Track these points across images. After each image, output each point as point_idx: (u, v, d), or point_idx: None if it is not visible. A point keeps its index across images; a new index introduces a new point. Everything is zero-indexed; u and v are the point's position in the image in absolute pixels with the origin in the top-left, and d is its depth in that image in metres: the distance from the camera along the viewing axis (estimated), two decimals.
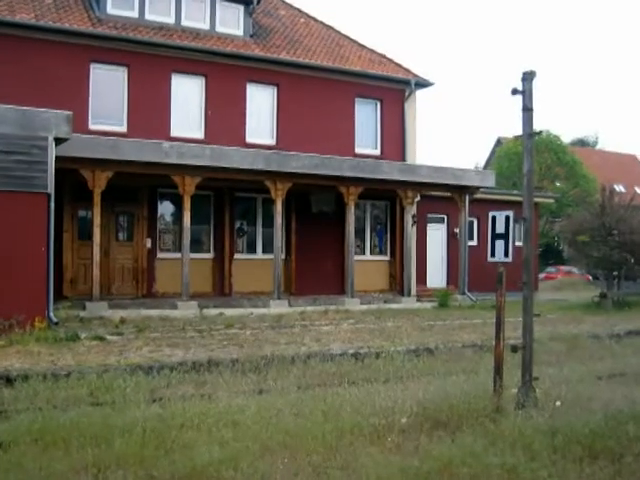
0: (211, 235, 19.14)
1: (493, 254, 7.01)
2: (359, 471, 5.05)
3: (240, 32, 19.92)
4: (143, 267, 17.86)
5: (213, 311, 15.79)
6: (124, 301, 16.54)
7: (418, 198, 21.07)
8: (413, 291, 20.62)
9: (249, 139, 19.35)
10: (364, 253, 21.50)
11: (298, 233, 20.02)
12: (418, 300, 20.05)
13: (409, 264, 19.98)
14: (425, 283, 22.46)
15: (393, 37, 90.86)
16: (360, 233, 21.33)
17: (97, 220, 15.35)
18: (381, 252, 21.99)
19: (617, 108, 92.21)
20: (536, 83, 6.78)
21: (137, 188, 17.87)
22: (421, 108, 64.15)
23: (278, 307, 16.87)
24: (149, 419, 6.13)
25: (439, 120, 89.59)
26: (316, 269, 20.06)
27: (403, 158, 21.73)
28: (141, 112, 17.84)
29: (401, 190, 19.53)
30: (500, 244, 6.93)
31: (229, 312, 15.73)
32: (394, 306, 18.63)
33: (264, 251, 19.58)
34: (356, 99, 21.25)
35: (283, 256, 19.22)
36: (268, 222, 19.24)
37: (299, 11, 23.07)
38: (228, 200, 19.20)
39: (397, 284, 21.33)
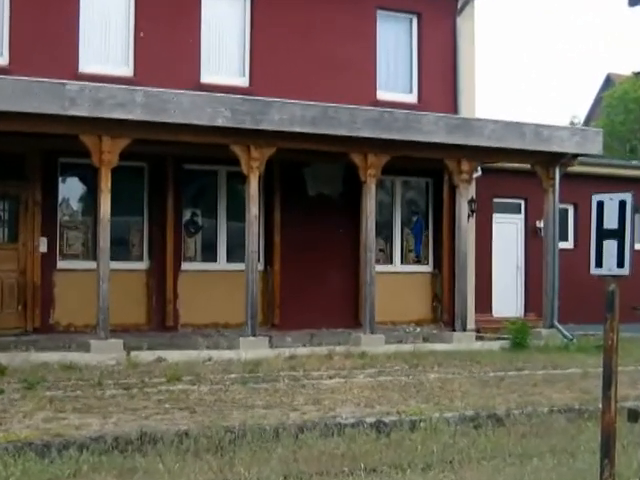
0: (145, 232, 19.14)
1: (600, 263, 7.01)
2: None
3: None
4: (34, 284, 17.84)
5: (148, 355, 15.76)
6: (3, 338, 16.50)
7: (479, 173, 21.06)
8: (471, 323, 20.61)
9: (206, 78, 19.36)
10: (391, 261, 21.51)
11: (285, 229, 20.02)
12: (479, 337, 20.03)
13: (464, 279, 19.99)
14: (490, 310, 22.43)
15: None
16: (385, 229, 21.35)
17: None
18: (419, 260, 21.99)
19: None
20: None
21: (24, 157, 17.85)
22: (484, 29, 63.84)
23: (253, 348, 16.86)
24: None
25: (512, 48, 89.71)
26: (314, 287, 20.07)
27: (454, 109, 21.73)
28: (31, 35, 17.81)
29: (451, 160, 19.54)
30: (611, 247, 6.92)
31: (174, 356, 15.72)
32: (440, 347, 18.61)
33: (230, 258, 19.58)
34: (378, 13, 21.26)
35: (261, 266, 19.23)
36: (236, 211, 19.23)
37: None
38: (172, 176, 19.20)
39: (445, 311, 21.31)
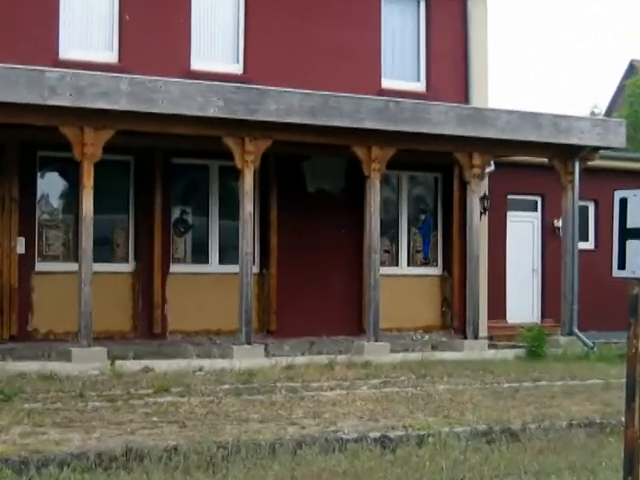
0: (130, 232, 19.13)
1: (622, 265, 7.00)
2: None
3: None
4: (11, 287, 17.81)
5: (134, 364, 15.78)
6: None
7: (492, 167, 21.04)
8: (483, 330, 20.60)
9: (196, 64, 19.37)
10: (397, 263, 21.50)
11: (282, 229, 20.01)
12: (492, 345, 20.01)
13: (476, 282, 19.98)
14: (504, 315, 22.42)
15: None
16: (391, 228, 21.35)
17: None
18: (427, 261, 21.97)
19: None
20: None
21: (0, 149, 17.85)
22: (497, 12, 63.81)
23: (247, 357, 16.86)
24: None
25: (527, 36, 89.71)
26: (313, 291, 20.05)
27: (465, 98, 21.73)
28: (7, 18, 17.82)
29: (462, 153, 19.53)
30: (635, 247, 6.92)
31: (162, 366, 15.73)
32: (449, 355, 18.64)
33: (223, 260, 19.59)
34: None
35: (256, 269, 19.22)
36: (230, 209, 19.23)
37: None
38: (160, 171, 19.18)
39: (455, 317, 21.30)
